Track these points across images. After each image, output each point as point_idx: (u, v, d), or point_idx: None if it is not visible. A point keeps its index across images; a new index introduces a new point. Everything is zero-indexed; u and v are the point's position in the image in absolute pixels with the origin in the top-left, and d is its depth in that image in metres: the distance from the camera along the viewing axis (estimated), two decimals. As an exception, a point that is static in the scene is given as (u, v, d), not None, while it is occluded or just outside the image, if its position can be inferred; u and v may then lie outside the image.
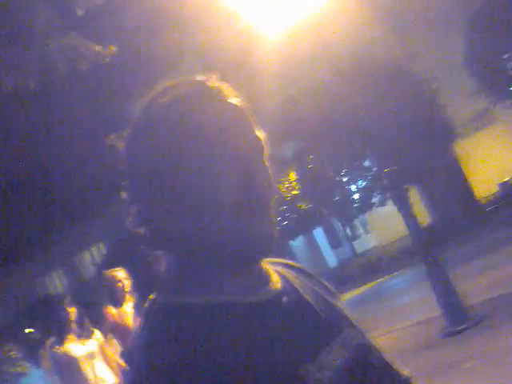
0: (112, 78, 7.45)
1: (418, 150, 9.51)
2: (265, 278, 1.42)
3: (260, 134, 1.39)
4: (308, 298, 1.45)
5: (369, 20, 8.59)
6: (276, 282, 1.43)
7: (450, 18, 17.68)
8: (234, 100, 1.38)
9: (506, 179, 18.46)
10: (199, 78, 1.41)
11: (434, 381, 7.02)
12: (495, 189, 18.80)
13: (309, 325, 1.38)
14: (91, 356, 6.90)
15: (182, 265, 1.37)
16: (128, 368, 1.37)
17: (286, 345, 1.31)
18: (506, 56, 17.30)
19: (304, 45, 8.44)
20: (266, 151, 1.39)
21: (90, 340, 6.97)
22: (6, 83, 6.44)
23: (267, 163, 1.38)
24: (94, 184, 8.53)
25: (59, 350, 6.72)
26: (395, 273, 18.60)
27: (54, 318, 6.95)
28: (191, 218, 1.31)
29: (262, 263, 1.42)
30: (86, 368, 6.82)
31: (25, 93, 6.83)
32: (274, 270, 1.47)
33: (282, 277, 1.46)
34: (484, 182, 19.41)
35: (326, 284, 1.59)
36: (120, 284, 7.05)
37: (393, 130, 9.56)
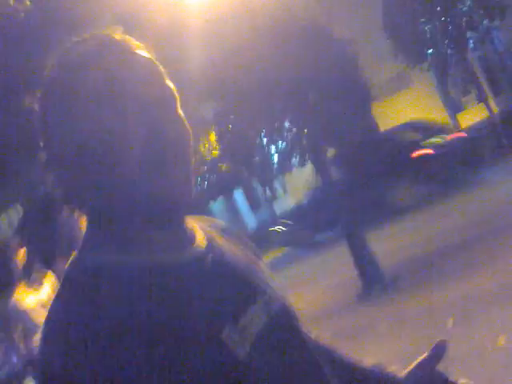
0: (27, 35, 7.23)
1: (337, 111, 9.62)
2: (189, 236, 1.40)
3: (170, 83, 1.39)
4: (232, 258, 1.45)
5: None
6: (200, 240, 1.42)
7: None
8: (141, 51, 1.38)
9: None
10: (104, 31, 1.40)
11: (347, 344, 7.17)
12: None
13: (231, 287, 1.38)
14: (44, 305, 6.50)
15: (100, 225, 1.36)
16: (41, 342, 1.32)
17: (206, 307, 1.31)
18: (422, 19, 17.65)
19: (224, 5, 8.39)
20: (178, 100, 1.39)
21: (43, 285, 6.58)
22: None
23: (180, 112, 1.38)
24: (10, 145, 8.31)
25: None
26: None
27: None
28: (105, 174, 1.31)
29: (187, 220, 1.42)
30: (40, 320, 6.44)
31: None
32: (200, 228, 1.46)
33: (208, 235, 1.45)
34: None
35: (251, 244, 1.60)
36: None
37: (313, 91, 9.63)
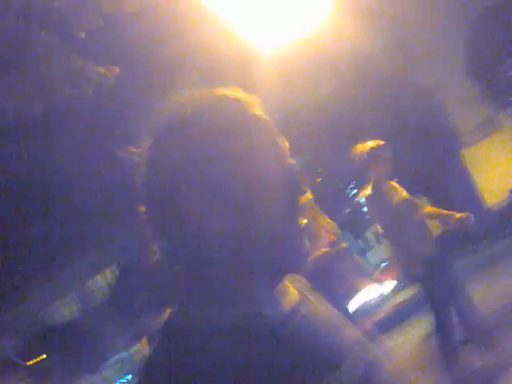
0: (116, 98, 7.48)
1: (427, 159, 9.50)
2: (283, 293, 1.37)
3: (284, 142, 1.35)
4: (320, 318, 1.42)
5: (369, 31, 8.57)
6: (292, 298, 1.39)
7: (450, 25, 17.69)
8: (259, 112, 1.33)
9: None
10: (218, 89, 1.34)
11: None
12: (504, 196, 18.75)
13: (313, 353, 1.34)
14: None
15: (203, 281, 1.31)
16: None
17: (286, 374, 1.26)
18: (509, 62, 17.29)
19: (305, 59, 8.43)
20: (290, 158, 1.34)
21: None
22: (8, 110, 6.45)
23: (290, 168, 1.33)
24: (104, 207, 8.52)
25: None
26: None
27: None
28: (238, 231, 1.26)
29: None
30: None
31: (28, 119, 6.84)
32: (292, 285, 1.43)
33: (300, 293, 1.42)
34: (492, 189, 19.35)
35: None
36: None
37: (400, 140, 9.56)
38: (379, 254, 27.79)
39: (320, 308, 1.45)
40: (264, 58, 7.68)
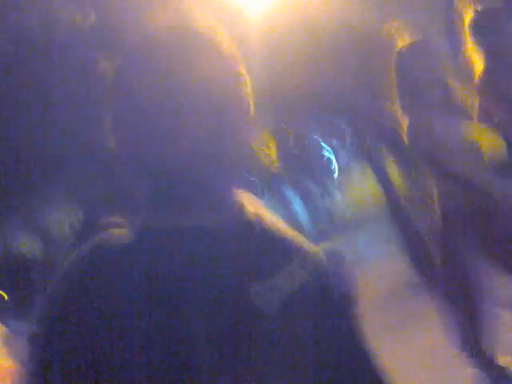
0: (90, 48, 7.37)
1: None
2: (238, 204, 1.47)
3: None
4: (272, 225, 1.51)
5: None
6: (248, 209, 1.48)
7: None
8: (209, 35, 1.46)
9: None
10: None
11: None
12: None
13: (264, 248, 1.44)
14: None
15: (152, 189, 1.41)
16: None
17: (239, 266, 1.37)
18: None
19: (284, 21, 8.39)
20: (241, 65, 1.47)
21: None
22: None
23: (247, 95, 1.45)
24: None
25: None
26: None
27: None
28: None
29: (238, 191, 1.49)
30: None
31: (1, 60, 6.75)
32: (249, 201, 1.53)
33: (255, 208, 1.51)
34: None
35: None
36: None
37: (369, 98, 9.61)
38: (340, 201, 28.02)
39: (274, 219, 1.53)
40: (244, 20, 7.64)
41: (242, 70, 1.48)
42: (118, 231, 1.39)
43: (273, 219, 1.54)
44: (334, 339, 1.44)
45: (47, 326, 1.33)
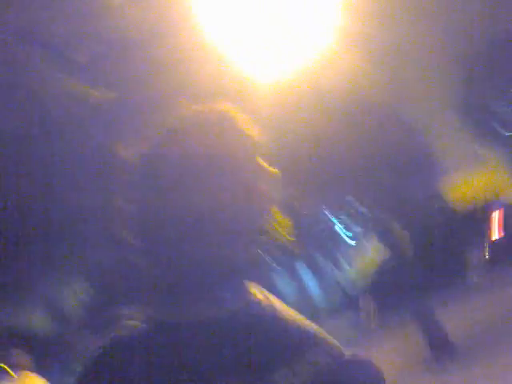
0: (110, 123, 7.49)
1: (407, 189, 9.60)
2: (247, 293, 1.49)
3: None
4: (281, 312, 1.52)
5: (364, 68, 8.69)
6: (256, 296, 1.50)
7: (445, 62, 17.77)
8: (247, 130, 1.49)
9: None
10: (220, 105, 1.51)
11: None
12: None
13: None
14: None
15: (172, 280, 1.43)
16: None
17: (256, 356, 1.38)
18: (503, 101, 17.39)
19: (298, 94, 8.51)
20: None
21: None
22: (5, 129, 6.46)
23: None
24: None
25: None
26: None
27: None
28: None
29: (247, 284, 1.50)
30: None
31: (25, 138, 6.85)
32: (256, 289, 1.54)
33: (263, 294, 1.53)
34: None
35: None
36: None
37: (382, 171, 9.65)
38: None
39: (280, 306, 1.54)
40: (260, 89, 7.74)
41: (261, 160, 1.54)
42: (134, 323, 1.43)
43: (285, 308, 1.56)
44: None
45: None
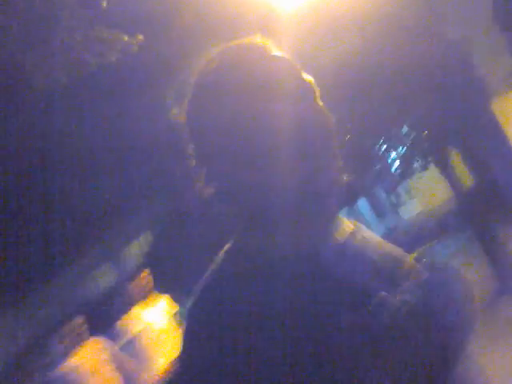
0: (141, 68, 7.48)
1: (455, 111, 9.39)
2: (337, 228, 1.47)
3: (308, 77, 1.46)
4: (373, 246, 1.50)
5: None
6: (346, 228, 1.48)
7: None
8: (277, 53, 1.45)
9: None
10: (243, 39, 1.48)
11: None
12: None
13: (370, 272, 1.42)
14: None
15: (249, 219, 1.40)
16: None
17: (345, 293, 1.35)
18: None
19: (326, 14, 8.35)
20: (317, 92, 1.46)
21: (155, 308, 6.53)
22: (35, 79, 6.49)
23: (320, 103, 1.44)
24: (133, 178, 8.55)
25: None
26: (442, 237, 18.49)
27: None
28: (256, 171, 1.34)
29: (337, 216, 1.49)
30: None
31: (55, 88, 6.87)
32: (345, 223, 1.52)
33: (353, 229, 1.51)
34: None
35: None
36: None
37: (428, 93, 9.43)
38: (411, 209, 27.74)
39: (374, 237, 1.55)
40: (286, 14, 7.62)
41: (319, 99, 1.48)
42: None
43: (376, 238, 1.55)
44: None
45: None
